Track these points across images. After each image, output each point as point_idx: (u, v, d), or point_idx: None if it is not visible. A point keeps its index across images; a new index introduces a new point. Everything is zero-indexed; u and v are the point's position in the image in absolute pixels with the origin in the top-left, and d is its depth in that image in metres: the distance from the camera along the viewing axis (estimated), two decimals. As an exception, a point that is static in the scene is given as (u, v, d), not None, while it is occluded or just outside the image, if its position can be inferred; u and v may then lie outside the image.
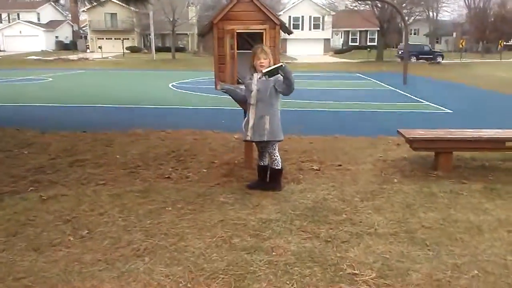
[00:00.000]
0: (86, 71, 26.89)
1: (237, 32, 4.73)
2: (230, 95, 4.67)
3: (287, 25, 4.93)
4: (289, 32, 5.04)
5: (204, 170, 5.31)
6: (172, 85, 17.64)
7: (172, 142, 6.83)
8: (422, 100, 12.74)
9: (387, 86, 17.74)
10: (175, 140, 6.94)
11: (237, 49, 4.94)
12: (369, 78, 22.11)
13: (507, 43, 53.72)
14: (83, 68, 29.51)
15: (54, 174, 5.07)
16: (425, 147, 5.10)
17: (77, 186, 4.64)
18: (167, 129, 7.87)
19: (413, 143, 5.01)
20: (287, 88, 4.12)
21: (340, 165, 5.49)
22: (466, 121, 9.52)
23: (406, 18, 41.28)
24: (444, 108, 11.06)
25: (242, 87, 4.53)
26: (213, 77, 5.05)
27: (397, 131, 5.46)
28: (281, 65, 3.98)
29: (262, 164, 4.56)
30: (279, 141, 4.39)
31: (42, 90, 16.10)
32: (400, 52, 38.30)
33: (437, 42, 66.42)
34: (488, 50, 53.14)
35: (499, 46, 44.97)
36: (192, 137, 7.23)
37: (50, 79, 20.66)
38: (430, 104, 11.96)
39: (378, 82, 19.52)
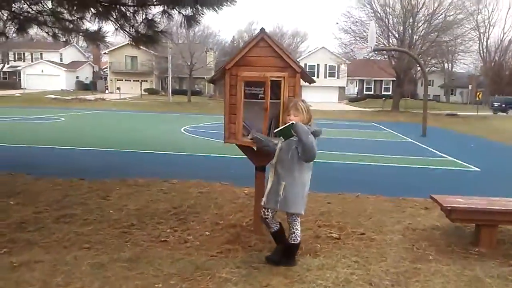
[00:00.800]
0: (101, 112, 26.90)
1: (271, 80, 4.14)
2: (259, 146, 4.02)
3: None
4: (310, 81, 4.49)
5: (207, 233, 4.63)
6: (184, 129, 17.26)
7: (175, 195, 6.20)
8: (445, 156, 11.97)
9: (406, 138, 17.07)
10: (178, 194, 6.31)
11: (246, 98, 4.39)
12: (386, 128, 21.52)
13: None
14: (98, 109, 29.60)
15: (36, 232, 4.44)
16: (465, 219, 4.37)
17: (57, 249, 3.99)
18: (172, 179, 7.27)
19: (452, 213, 4.29)
20: (303, 152, 3.49)
21: (363, 234, 4.76)
22: (496, 181, 8.73)
23: (419, 69, 41.58)
24: (470, 166, 10.26)
25: (276, 141, 3.88)
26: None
27: (430, 196, 4.76)
28: (292, 123, 3.40)
29: (273, 230, 3.87)
30: (294, 214, 3.72)
31: (51, 130, 15.83)
32: (496, 105, 37.36)
33: (452, 94, 66.23)
34: (504, 104, 52.51)
35: (517, 99, 44.25)
36: (198, 190, 6.59)
37: (63, 119, 20.52)
38: (455, 160, 11.18)
39: (396, 133, 18.88)
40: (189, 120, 22.28)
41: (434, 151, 12.99)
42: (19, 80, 59.82)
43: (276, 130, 3.50)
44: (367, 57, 30.16)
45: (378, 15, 33.08)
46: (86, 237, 4.32)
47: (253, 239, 4.41)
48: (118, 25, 6.36)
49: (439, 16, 33.11)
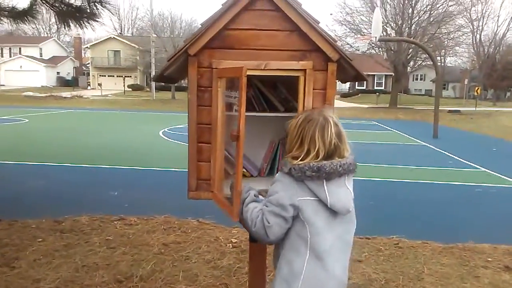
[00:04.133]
0: (74, 111, 24.41)
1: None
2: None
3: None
4: (360, 77, 2.36)
5: None
6: (163, 132, 15.01)
7: (125, 252, 4.06)
8: (474, 165, 9.90)
9: (416, 140, 15.04)
10: (130, 248, 4.17)
11: (229, 109, 2.32)
12: (390, 128, 19.52)
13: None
14: (73, 107, 27.11)
15: None
16: None
17: None
18: (129, 216, 5.15)
19: None
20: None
21: None
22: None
23: (413, 63, 39.77)
24: (514, 180, 8.27)
25: None
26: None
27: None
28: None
29: None
30: None
31: (3, 136, 13.33)
32: None
33: (444, 88, 64.74)
34: (498, 98, 51.21)
35: (516, 94, 42.78)
36: (162, 239, 4.47)
37: (26, 120, 18.08)
38: (489, 171, 9.12)
39: (404, 134, 16.85)
40: (171, 119, 20.00)
41: (456, 158, 10.97)
42: (-2, 76, 56.81)
43: None
44: (365, 50, 28.16)
45: (375, 4, 30.99)
46: None
47: None
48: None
49: (439, 7, 31.17)
